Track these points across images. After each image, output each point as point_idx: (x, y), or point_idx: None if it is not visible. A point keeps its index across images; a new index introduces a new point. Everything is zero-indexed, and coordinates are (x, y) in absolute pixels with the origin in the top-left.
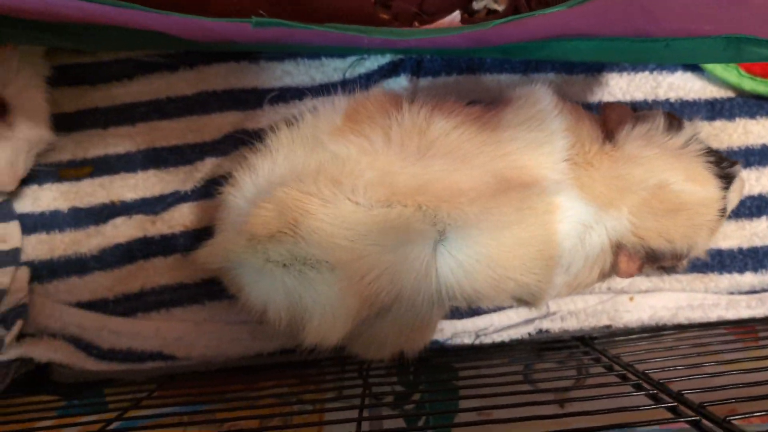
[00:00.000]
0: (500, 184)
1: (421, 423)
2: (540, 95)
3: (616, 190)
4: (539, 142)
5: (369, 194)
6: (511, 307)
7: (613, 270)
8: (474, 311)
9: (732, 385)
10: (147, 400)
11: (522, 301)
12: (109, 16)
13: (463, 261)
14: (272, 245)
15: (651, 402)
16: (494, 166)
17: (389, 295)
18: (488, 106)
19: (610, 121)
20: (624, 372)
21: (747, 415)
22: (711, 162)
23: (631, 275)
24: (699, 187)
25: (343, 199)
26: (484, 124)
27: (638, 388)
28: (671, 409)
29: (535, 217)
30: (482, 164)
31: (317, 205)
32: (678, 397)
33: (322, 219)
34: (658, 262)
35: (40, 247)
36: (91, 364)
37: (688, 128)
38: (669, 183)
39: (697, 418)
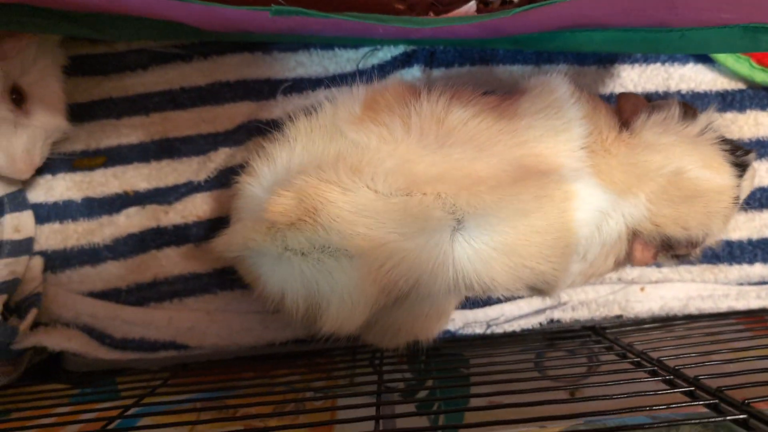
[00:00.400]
0: (518, 172)
1: (434, 408)
2: (556, 84)
3: (634, 176)
4: (557, 130)
5: (389, 182)
6: (522, 297)
7: (628, 258)
8: (485, 301)
9: (746, 371)
10: (162, 388)
11: (536, 290)
12: (129, 4)
13: (480, 249)
14: (291, 233)
15: (667, 387)
16: (512, 154)
17: (407, 283)
18: (504, 95)
19: (625, 110)
20: (638, 359)
21: (765, 398)
22: (726, 150)
23: (645, 263)
24: (715, 174)
25: (362, 187)
26: (502, 112)
27: (653, 374)
28: (688, 394)
29: (552, 205)
30: (500, 153)
31: (337, 193)
32: (695, 382)
33: (342, 207)
34: (672, 250)
35: (54, 236)
36: (104, 353)
37: (703, 117)
38: (686, 170)
39: (715, 401)
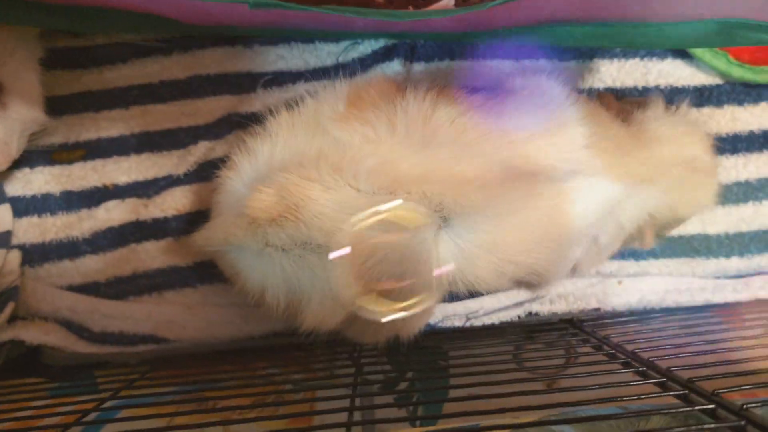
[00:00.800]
0: (507, 173)
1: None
2: (548, 85)
3: (652, 167)
4: (549, 132)
5: (371, 181)
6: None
7: (637, 240)
8: (465, 294)
9: (719, 362)
10: (140, 381)
11: (526, 284)
12: None
13: (465, 247)
14: (272, 230)
15: (640, 379)
16: (500, 154)
17: (389, 281)
18: (490, 93)
19: (610, 108)
20: (613, 351)
21: (734, 389)
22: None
23: (650, 246)
24: (712, 156)
25: (344, 185)
26: (488, 111)
27: (627, 366)
28: (660, 385)
29: (541, 202)
30: (487, 153)
31: (319, 191)
32: (666, 373)
33: (324, 204)
34: (667, 230)
35: (32, 230)
36: (83, 347)
37: (683, 106)
38: (697, 156)
39: (685, 392)
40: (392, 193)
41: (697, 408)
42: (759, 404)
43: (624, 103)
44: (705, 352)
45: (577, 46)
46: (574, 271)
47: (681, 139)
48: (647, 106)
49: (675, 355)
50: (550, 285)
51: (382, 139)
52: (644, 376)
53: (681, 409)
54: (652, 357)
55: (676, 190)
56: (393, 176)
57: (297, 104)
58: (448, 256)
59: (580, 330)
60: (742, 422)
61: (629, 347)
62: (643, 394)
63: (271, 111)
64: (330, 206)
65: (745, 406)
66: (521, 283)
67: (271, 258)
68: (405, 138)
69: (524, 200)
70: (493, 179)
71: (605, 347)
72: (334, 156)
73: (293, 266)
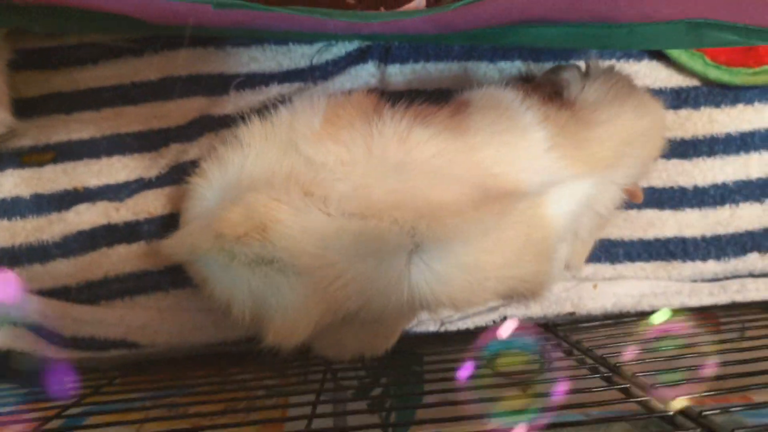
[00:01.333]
0: (480, 194)
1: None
2: (500, 94)
3: (613, 146)
4: (511, 144)
5: (342, 206)
6: None
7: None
8: None
9: (685, 367)
10: (108, 387)
11: (518, 295)
12: None
13: (440, 270)
14: (239, 246)
15: (606, 384)
16: (472, 176)
17: (356, 303)
18: (457, 103)
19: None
20: (582, 356)
21: (695, 395)
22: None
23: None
24: (652, 100)
25: (314, 210)
26: (456, 128)
27: (594, 371)
28: (623, 390)
29: (517, 218)
30: (459, 176)
31: (287, 214)
32: (631, 379)
33: (292, 227)
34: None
35: (2, 234)
36: (53, 352)
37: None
38: (643, 125)
39: (648, 398)
40: (363, 219)
41: (655, 415)
42: (718, 411)
43: (541, 86)
44: (677, 357)
45: (552, 47)
46: (568, 268)
47: (621, 107)
48: (564, 80)
49: (643, 360)
50: (546, 289)
51: (356, 162)
52: (609, 381)
53: (640, 417)
54: (619, 362)
55: (641, 152)
56: (366, 203)
57: (271, 113)
58: (420, 280)
59: (554, 334)
60: (699, 430)
61: (599, 352)
62: (605, 401)
63: (243, 118)
64: (297, 228)
65: (703, 413)
66: (510, 296)
67: (238, 273)
68: (380, 162)
69: (499, 220)
70: (467, 204)
71: (575, 352)
72: (305, 177)
73: (259, 282)
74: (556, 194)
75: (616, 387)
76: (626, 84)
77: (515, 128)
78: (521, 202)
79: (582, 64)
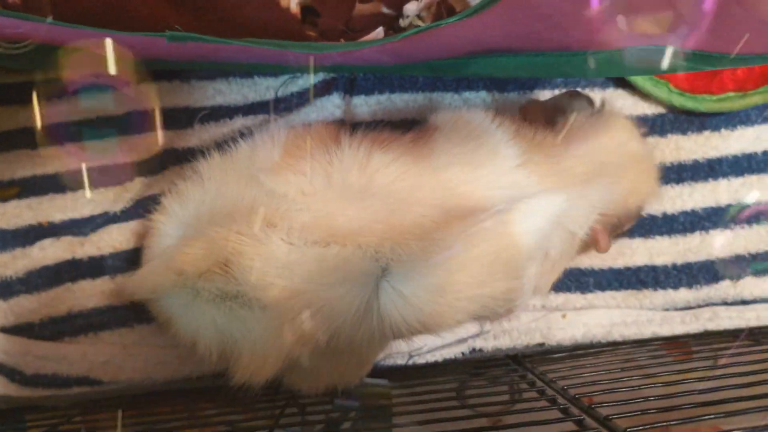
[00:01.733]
0: (444, 215)
1: None
2: (469, 115)
3: (589, 165)
4: (477, 164)
5: (304, 235)
6: None
7: (593, 247)
8: None
9: (648, 398)
10: (67, 425)
11: (490, 314)
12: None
13: (408, 294)
14: (202, 282)
15: (563, 416)
16: (434, 198)
17: (326, 333)
18: (420, 130)
19: (534, 120)
20: (544, 387)
21: (650, 426)
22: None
23: (608, 249)
24: (642, 141)
25: (276, 240)
26: (418, 152)
27: (553, 402)
28: (578, 423)
29: (485, 236)
30: (422, 199)
31: (249, 246)
32: (588, 410)
33: (254, 259)
34: (621, 228)
35: None
36: (14, 390)
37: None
38: (628, 142)
39: (602, 430)
40: (326, 246)
41: None
42: None
43: (550, 108)
44: (641, 387)
45: (515, 76)
46: (535, 292)
47: (608, 129)
48: (570, 107)
49: (606, 391)
50: (518, 307)
51: (317, 191)
52: (566, 413)
53: None
54: (579, 393)
55: (618, 180)
56: (329, 231)
57: (231, 147)
58: (389, 306)
59: (521, 366)
60: None
61: (563, 383)
62: None
63: (203, 153)
64: (260, 261)
65: None
66: (484, 316)
67: (202, 309)
68: (341, 189)
69: (467, 239)
70: (431, 226)
71: (538, 383)
72: (267, 209)
73: (224, 319)
74: (525, 210)
75: (571, 419)
76: (622, 121)
77: (483, 147)
78: (488, 221)
79: (595, 95)
